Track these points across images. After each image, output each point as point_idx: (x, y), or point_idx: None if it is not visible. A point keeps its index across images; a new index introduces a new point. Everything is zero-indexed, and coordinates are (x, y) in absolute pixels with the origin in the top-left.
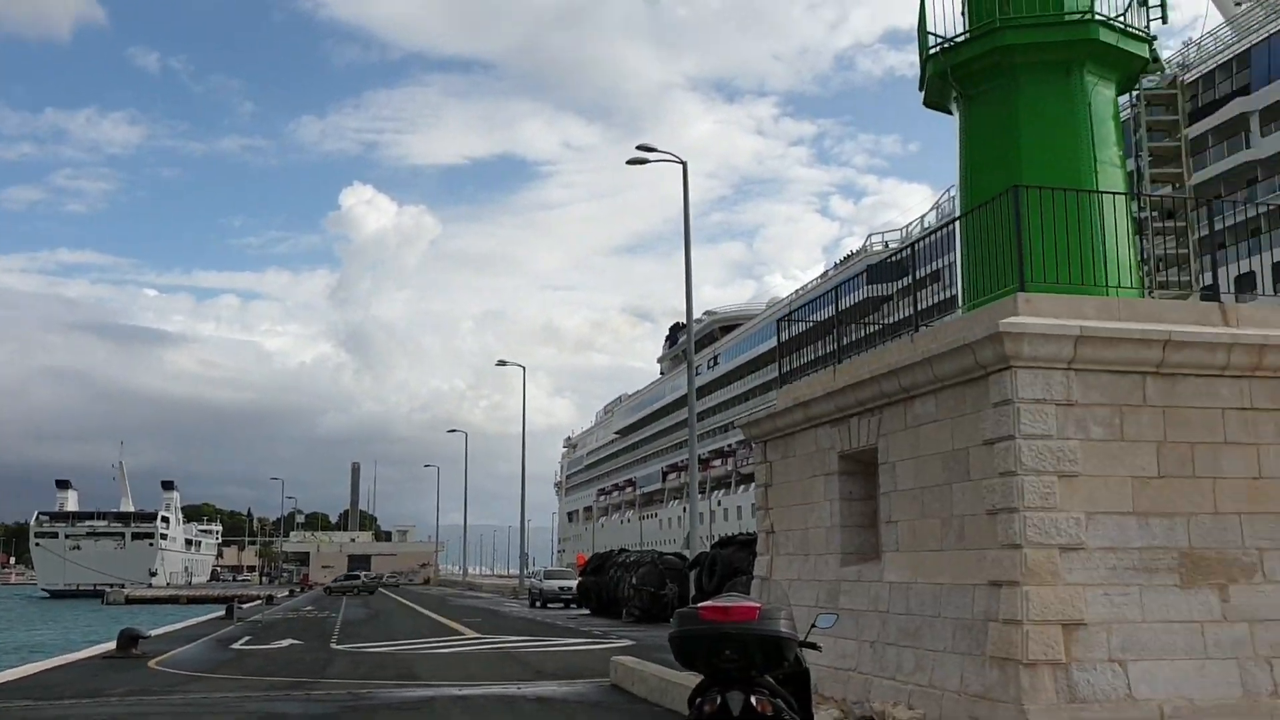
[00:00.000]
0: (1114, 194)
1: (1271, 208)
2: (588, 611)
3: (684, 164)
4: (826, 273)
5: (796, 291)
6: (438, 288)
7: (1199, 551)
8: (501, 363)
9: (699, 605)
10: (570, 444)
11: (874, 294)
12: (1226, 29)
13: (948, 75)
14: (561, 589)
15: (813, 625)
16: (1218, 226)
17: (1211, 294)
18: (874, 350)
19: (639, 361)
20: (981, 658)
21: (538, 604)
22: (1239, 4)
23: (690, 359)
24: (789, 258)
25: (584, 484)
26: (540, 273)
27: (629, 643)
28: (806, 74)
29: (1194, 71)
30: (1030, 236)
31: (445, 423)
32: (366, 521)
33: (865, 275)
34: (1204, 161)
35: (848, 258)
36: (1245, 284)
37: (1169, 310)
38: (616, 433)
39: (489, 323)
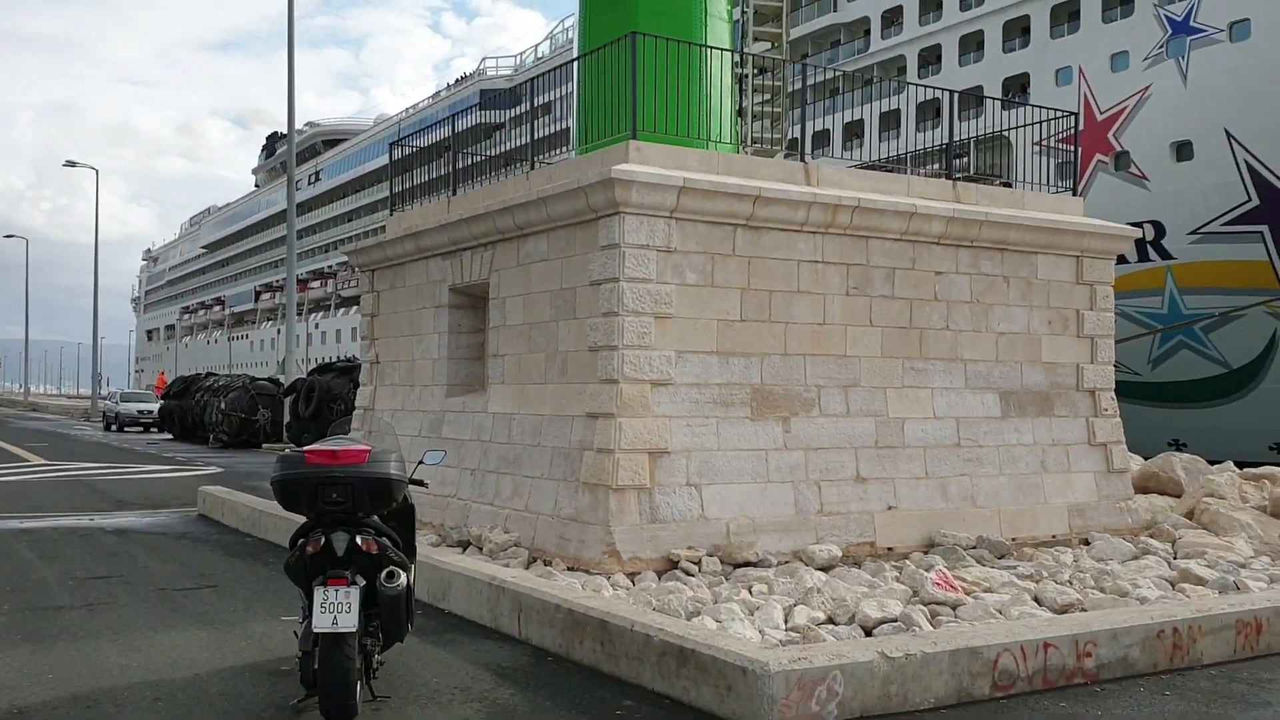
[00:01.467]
0: (722, 50)
1: (849, 71)
2: (170, 437)
3: None
4: (439, 93)
5: (407, 110)
6: None
7: (769, 388)
8: (70, 163)
9: (304, 449)
10: (150, 257)
11: (488, 120)
12: None
13: None
14: (140, 412)
15: (419, 462)
16: (807, 86)
17: (796, 152)
18: (489, 185)
19: (231, 172)
20: (576, 483)
21: (114, 428)
22: None
23: (291, 172)
24: (398, 73)
25: (166, 300)
26: (117, 63)
27: (217, 470)
28: None
29: None
30: (644, 84)
31: (1, 226)
32: None
33: (479, 101)
34: (797, 21)
35: (461, 79)
36: (820, 141)
37: (760, 167)
38: (204, 247)
39: (53, 115)
